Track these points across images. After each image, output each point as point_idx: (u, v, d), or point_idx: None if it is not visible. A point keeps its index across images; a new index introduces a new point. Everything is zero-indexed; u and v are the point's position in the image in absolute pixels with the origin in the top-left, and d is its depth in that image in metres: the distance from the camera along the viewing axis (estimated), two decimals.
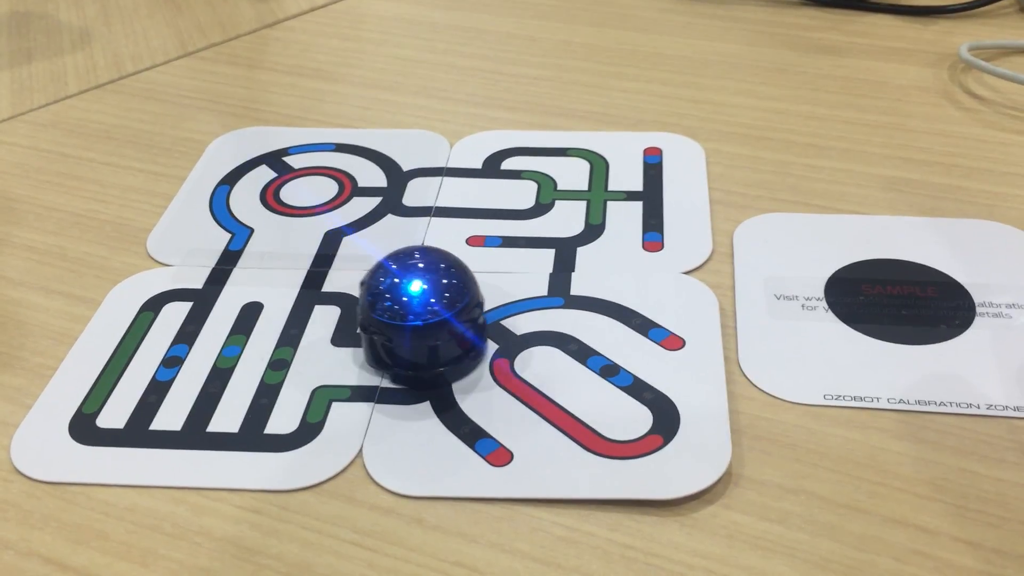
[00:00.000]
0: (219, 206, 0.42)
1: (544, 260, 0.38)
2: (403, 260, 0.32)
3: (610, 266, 0.37)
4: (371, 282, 0.32)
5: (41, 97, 0.51)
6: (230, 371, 0.34)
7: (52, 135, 0.48)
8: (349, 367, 0.33)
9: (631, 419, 0.31)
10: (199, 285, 0.37)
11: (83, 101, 0.50)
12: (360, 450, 0.31)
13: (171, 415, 0.32)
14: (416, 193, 0.42)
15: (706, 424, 0.31)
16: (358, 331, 0.33)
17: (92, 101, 0.50)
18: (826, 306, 0.35)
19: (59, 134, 0.48)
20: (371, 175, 0.43)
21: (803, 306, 0.35)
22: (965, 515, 0.28)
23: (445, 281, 0.32)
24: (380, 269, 0.32)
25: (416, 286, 0.31)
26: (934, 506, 0.28)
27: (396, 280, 0.32)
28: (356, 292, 0.36)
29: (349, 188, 0.42)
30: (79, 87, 0.51)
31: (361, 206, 0.41)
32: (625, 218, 0.40)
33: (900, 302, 0.35)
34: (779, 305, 0.35)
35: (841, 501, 0.28)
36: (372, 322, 0.32)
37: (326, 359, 0.34)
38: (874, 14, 0.55)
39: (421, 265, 0.32)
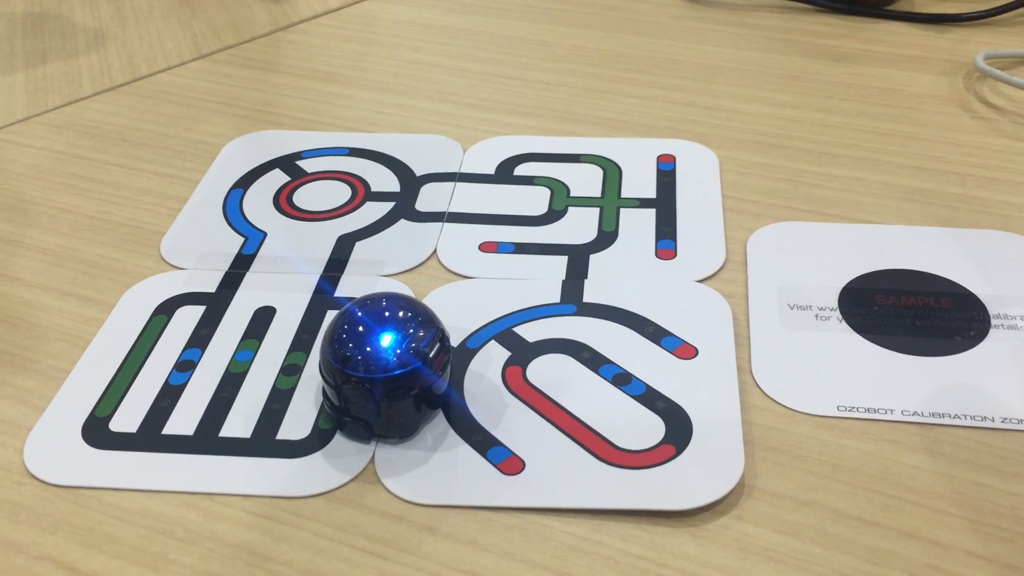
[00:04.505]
0: (232, 210, 0.42)
1: (557, 267, 0.38)
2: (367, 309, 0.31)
3: (623, 273, 0.37)
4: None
5: (56, 98, 0.51)
6: (243, 376, 0.34)
7: (66, 136, 0.48)
8: None
9: (643, 428, 0.31)
10: (212, 289, 0.37)
11: (97, 103, 0.50)
12: (372, 457, 0.31)
13: (183, 420, 0.32)
14: (429, 198, 0.42)
15: (719, 434, 0.31)
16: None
17: (106, 103, 0.50)
18: (840, 316, 0.35)
19: (73, 136, 0.48)
20: (384, 180, 0.43)
21: (817, 316, 0.35)
22: (979, 529, 0.28)
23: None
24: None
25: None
26: (948, 520, 0.28)
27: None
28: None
29: (362, 193, 0.42)
30: (94, 89, 0.52)
31: (374, 211, 0.41)
32: (638, 225, 0.40)
33: (914, 313, 0.35)
34: (792, 315, 0.35)
35: (854, 514, 0.28)
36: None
37: None
38: (889, 21, 0.55)
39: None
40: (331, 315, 0.36)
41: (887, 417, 0.31)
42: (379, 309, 0.31)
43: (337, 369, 0.30)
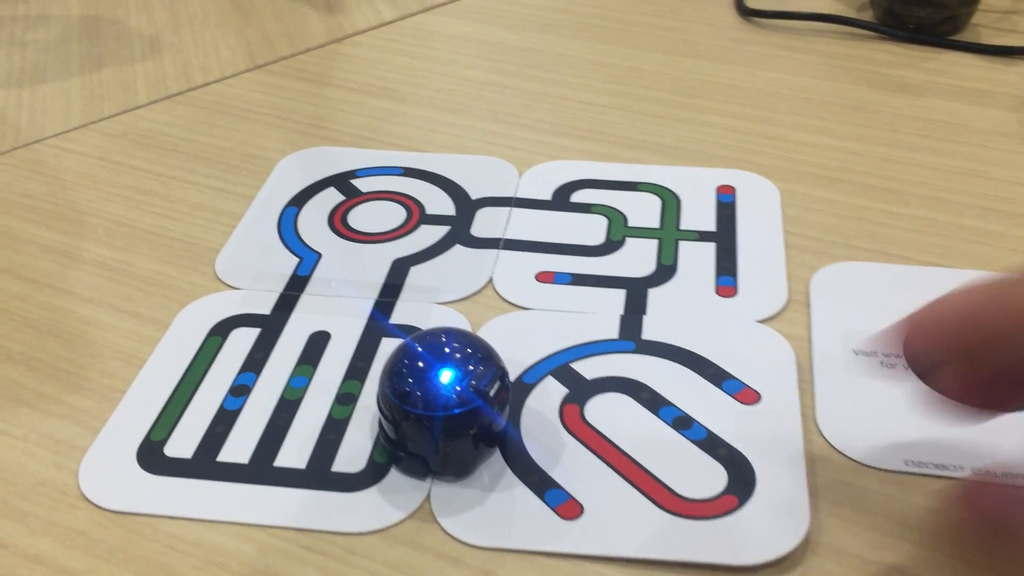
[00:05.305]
0: (287, 228, 0.41)
1: (615, 301, 0.37)
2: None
3: (682, 310, 0.37)
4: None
5: (111, 106, 0.51)
6: (297, 403, 0.33)
7: (121, 146, 0.48)
8: None
9: (705, 476, 0.30)
10: (267, 310, 0.37)
11: (152, 112, 0.50)
12: (428, 494, 0.30)
13: (238, 447, 0.32)
14: (485, 223, 0.41)
15: (783, 486, 0.30)
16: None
17: (161, 112, 0.50)
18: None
19: (128, 145, 0.48)
20: (439, 202, 0.43)
21: (883, 363, 0.34)
22: None
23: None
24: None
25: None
26: None
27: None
28: (424, 325, 0.36)
29: (417, 215, 0.42)
30: (149, 97, 0.52)
31: (429, 234, 0.41)
32: (698, 259, 0.39)
33: None
34: (858, 361, 0.34)
35: None
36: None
37: None
38: (953, 52, 0.54)
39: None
40: (386, 343, 0.35)
41: (958, 475, 0.30)
42: (439, 344, 0.31)
43: (396, 405, 0.30)
